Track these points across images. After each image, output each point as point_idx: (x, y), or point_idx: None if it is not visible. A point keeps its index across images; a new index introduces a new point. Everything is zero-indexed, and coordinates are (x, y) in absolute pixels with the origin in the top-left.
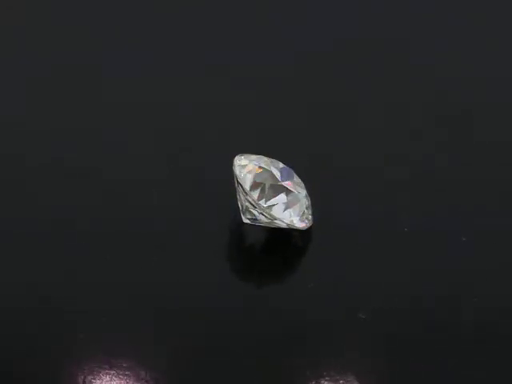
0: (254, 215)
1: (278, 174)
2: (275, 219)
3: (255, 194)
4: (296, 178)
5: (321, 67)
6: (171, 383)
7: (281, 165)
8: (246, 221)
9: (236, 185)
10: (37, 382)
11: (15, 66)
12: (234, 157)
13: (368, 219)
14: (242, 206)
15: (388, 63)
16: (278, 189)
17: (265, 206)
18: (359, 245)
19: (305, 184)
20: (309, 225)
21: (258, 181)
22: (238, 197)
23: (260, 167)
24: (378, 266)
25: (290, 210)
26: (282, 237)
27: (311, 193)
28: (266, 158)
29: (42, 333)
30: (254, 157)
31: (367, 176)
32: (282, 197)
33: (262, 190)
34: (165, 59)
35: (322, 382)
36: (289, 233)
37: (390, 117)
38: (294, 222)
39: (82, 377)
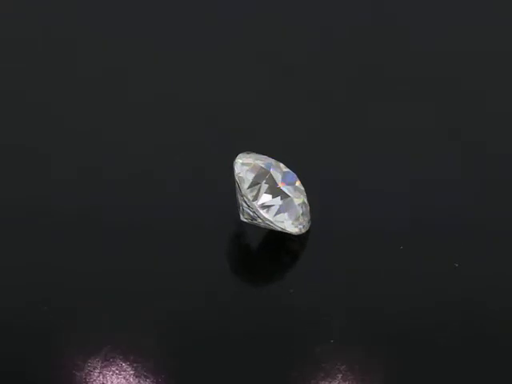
0: (250, 215)
1: (278, 177)
2: (267, 221)
3: (251, 194)
4: (298, 184)
5: (322, 67)
6: (170, 381)
7: (284, 168)
8: (243, 219)
9: (235, 183)
10: (36, 380)
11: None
12: (233, 156)
13: (367, 223)
14: (240, 205)
15: (389, 64)
16: (274, 191)
17: (258, 206)
18: (357, 248)
19: (305, 187)
20: (303, 231)
21: (256, 181)
22: (237, 195)
23: (262, 167)
24: (375, 270)
25: (283, 214)
26: (279, 238)
27: (311, 195)
28: (270, 160)
29: (40, 332)
30: (258, 156)
31: (368, 179)
32: (277, 200)
33: (259, 191)
34: (165, 59)
35: (320, 381)
36: (286, 235)
37: (392, 118)
38: (287, 226)
39: (82, 374)
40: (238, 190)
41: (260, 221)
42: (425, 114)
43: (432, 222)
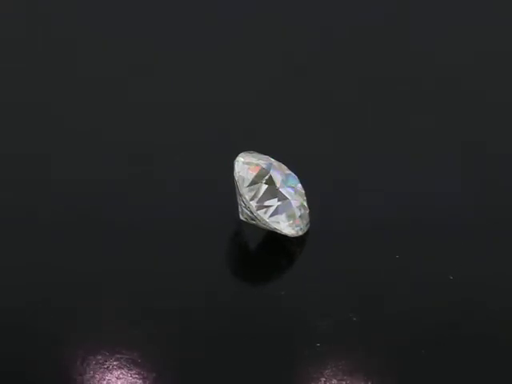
0: (249, 215)
1: (278, 178)
2: (263, 221)
3: (249, 194)
4: (299, 188)
5: (322, 67)
6: (169, 381)
7: (286, 171)
8: (242, 218)
9: (235, 181)
10: (36, 380)
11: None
12: (233, 156)
13: (367, 223)
14: (239, 204)
15: (389, 64)
16: (273, 192)
17: (255, 206)
18: (357, 248)
19: (305, 187)
20: (300, 233)
21: (256, 180)
22: (237, 194)
23: (262, 168)
24: (375, 270)
25: (279, 216)
26: (279, 238)
27: (311, 195)
28: (272, 160)
29: (40, 330)
30: (260, 156)
31: (368, 179)
32: (274, 201)
33: (257, 191)
34: (165, 58)
35: (320, 381)
36: (284, 236)
37: (392, 118)
38: (282, 227)
39: (83, 372)
40: (237, 188)
41: (258, 221)
42: (425, 114)
43: (432, 222)
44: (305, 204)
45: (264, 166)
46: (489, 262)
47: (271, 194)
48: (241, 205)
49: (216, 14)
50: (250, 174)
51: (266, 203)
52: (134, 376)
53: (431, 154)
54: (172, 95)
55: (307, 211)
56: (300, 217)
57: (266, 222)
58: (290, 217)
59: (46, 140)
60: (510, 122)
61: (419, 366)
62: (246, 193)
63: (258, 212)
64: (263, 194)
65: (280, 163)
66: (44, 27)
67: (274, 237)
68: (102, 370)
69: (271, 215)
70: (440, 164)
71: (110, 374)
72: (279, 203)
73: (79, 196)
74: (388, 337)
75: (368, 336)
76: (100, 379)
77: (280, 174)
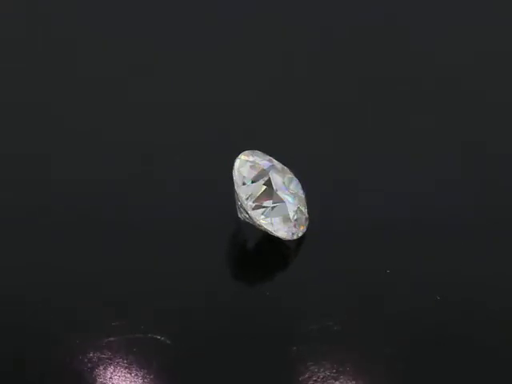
0: (244, 214)
1: (278, 180)
2: (257, 222)
3: (246, 193)
4: (300, 193)
5: (322, 67)
6: (169, 382)
7: (289, 174)
8: (240, 216)
9: (233, 179)
10: (36, 379)
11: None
12: (233, 156)
13: (367, 223)
14: (236, 203)
15: (389, 64)
16: (270, 194)
17: (249, 206)
18: (357, 248)
19: (305, 186)
20: (294, 237)
21: (254, 180)
22: (235, 193)
23: (263, 169)
24: (375, 270)
25: (273, 218)
26: (277, 239)
27: (311, 194)
28: (275, 162)
29: (41, 329)
30: (264, 156)
31: (368, 179)
32: (269, 203)
33: (254, 191)
34: (165, 58)
35: (320, 381)
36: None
37: (392, 118)
38: (275, 229)
39: (83, 371)
40: (235, 186)
41: (252, 221)
42: (425, 114)
43: (432, 221)
44: (303, 209)
45: (265, 167)
46: (489, 262)
47: (268, 196)
48: (237, 203)
49: (216, 14)
50: (250, 173)
51: (262, 204)
52: (134, 376)
53: (431, 154)
54: (172, 95)
55: (304, 216)
56: (296, 220)
57: (260, 222)
58: (285, 220)
59: (46, 140)
60: (510, 122)
61: (419, 366)
62: (242, 191)
63: (253, 212)
64: (260, 194)
65: (284, 166)
66: (44, 27)
67: (274, 237)
68: (101, 370)
69: (265, 216)
70: (440, 164)
71: (109, 374)
72: (274, 205)
73: (79, 196)
74: (388, 337)
75: (368, 336)
76: (100, 379)
77: (281, 176)
